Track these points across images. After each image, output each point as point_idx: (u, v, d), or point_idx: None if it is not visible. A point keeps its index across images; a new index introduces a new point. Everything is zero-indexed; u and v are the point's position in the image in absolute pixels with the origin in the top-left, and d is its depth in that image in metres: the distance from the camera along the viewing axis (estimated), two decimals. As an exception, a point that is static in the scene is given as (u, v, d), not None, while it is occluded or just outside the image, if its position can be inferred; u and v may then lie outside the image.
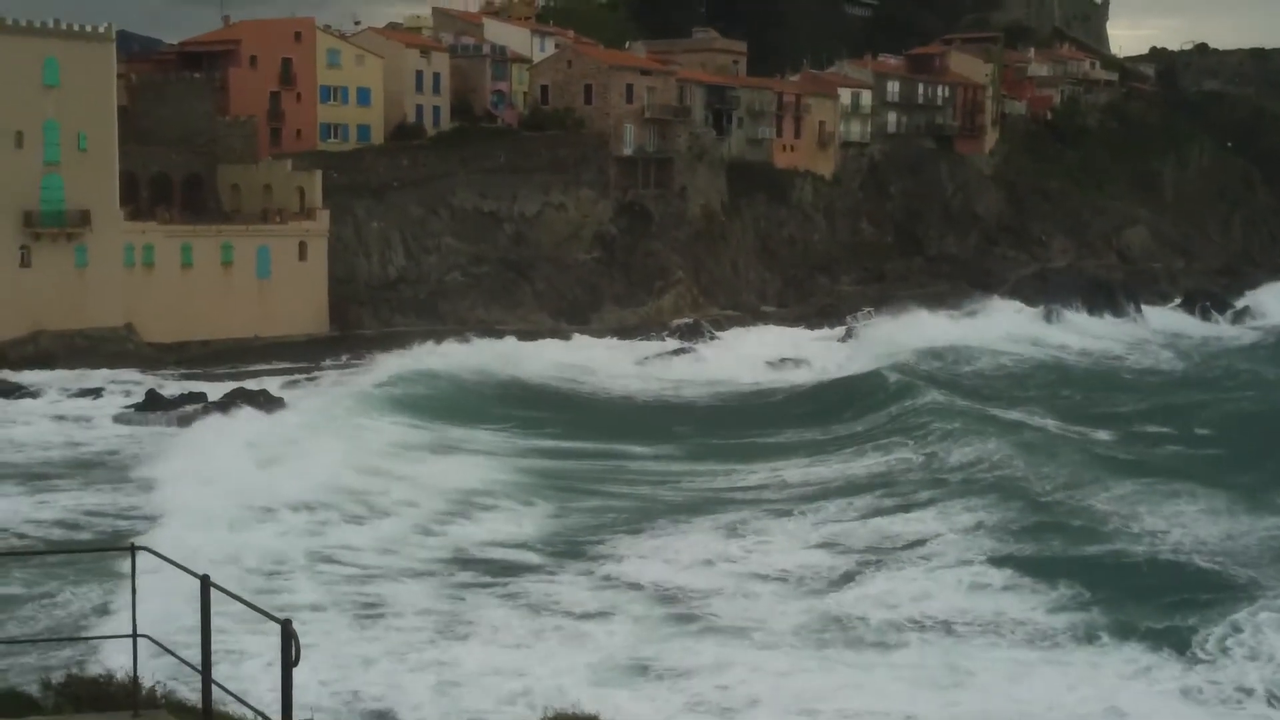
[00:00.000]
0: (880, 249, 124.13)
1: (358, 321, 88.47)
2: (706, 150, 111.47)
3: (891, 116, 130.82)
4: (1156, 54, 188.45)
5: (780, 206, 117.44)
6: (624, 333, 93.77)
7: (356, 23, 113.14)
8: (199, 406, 62.45)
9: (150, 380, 69.32)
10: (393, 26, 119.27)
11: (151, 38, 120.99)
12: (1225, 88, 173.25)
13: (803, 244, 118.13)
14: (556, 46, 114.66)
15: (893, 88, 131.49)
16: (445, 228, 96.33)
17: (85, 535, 40.32)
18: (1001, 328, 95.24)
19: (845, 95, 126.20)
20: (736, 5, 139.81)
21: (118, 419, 61.25)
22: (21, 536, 40.07)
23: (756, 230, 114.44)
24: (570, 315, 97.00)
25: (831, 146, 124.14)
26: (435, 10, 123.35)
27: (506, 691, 28.17)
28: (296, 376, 74.03)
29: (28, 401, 64.62)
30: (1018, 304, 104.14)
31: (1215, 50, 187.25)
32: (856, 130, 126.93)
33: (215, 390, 66.27)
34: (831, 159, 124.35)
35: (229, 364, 76.75)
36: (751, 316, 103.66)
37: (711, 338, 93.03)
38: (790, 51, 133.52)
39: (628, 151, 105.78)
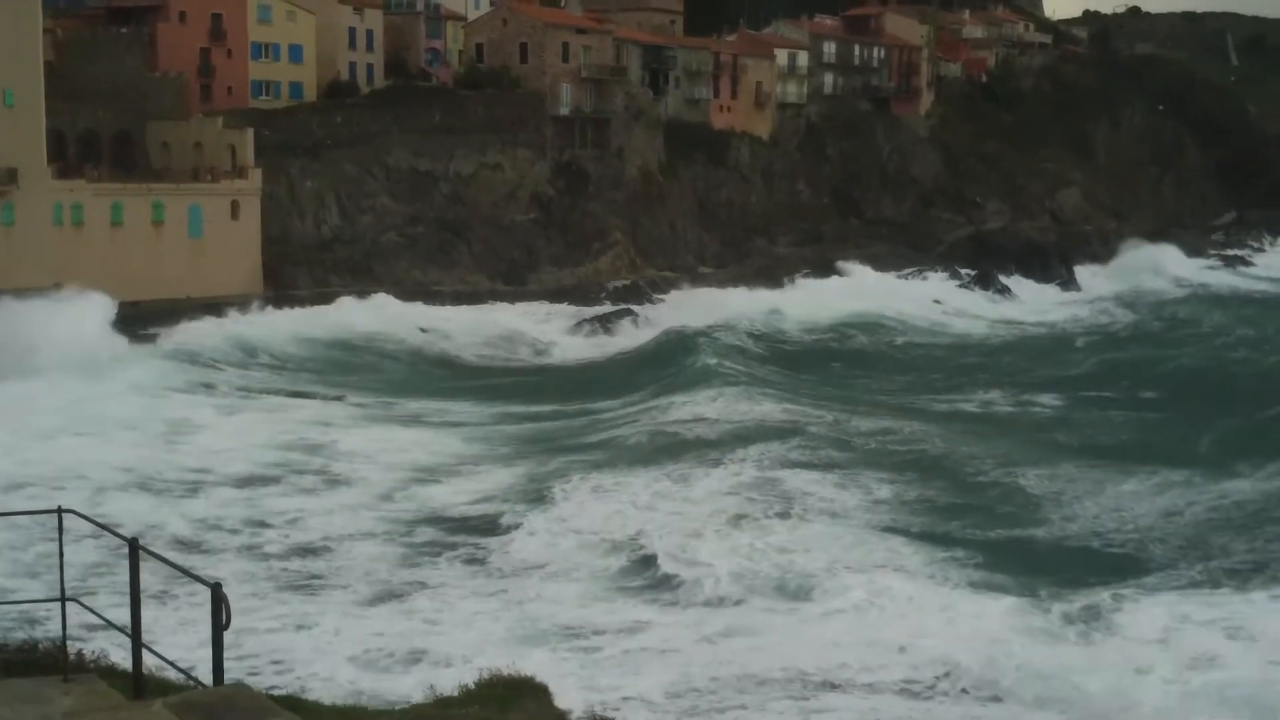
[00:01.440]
0: (817, 211, 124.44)
1: (292, 282, 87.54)
2: (644, 110, 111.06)
3: (828, 78, 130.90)
4: (1090, 17, 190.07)
5: (718, 167, 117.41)
6: (561, 295, 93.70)
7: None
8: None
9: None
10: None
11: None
12: (1158, 51, 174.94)
13: (740, 205, 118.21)
14: (492, 4, 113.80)
15: (829, 49, 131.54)
16: (380, 188, 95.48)
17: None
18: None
19: (782, 56, 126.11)
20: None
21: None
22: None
23: (694, 191, 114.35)
24: (508, 276, 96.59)
25: (768, 107, 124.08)
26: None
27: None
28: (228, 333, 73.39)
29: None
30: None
31: (1148, 14, 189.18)
32: (793, 91, 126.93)
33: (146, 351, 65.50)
34: (768, 120, 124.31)
35: (160, 324, 75.83)
36: (690, 278, 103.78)
37: (651, 301, 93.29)
38: (727, 12, 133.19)
39: (564, 111, 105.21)
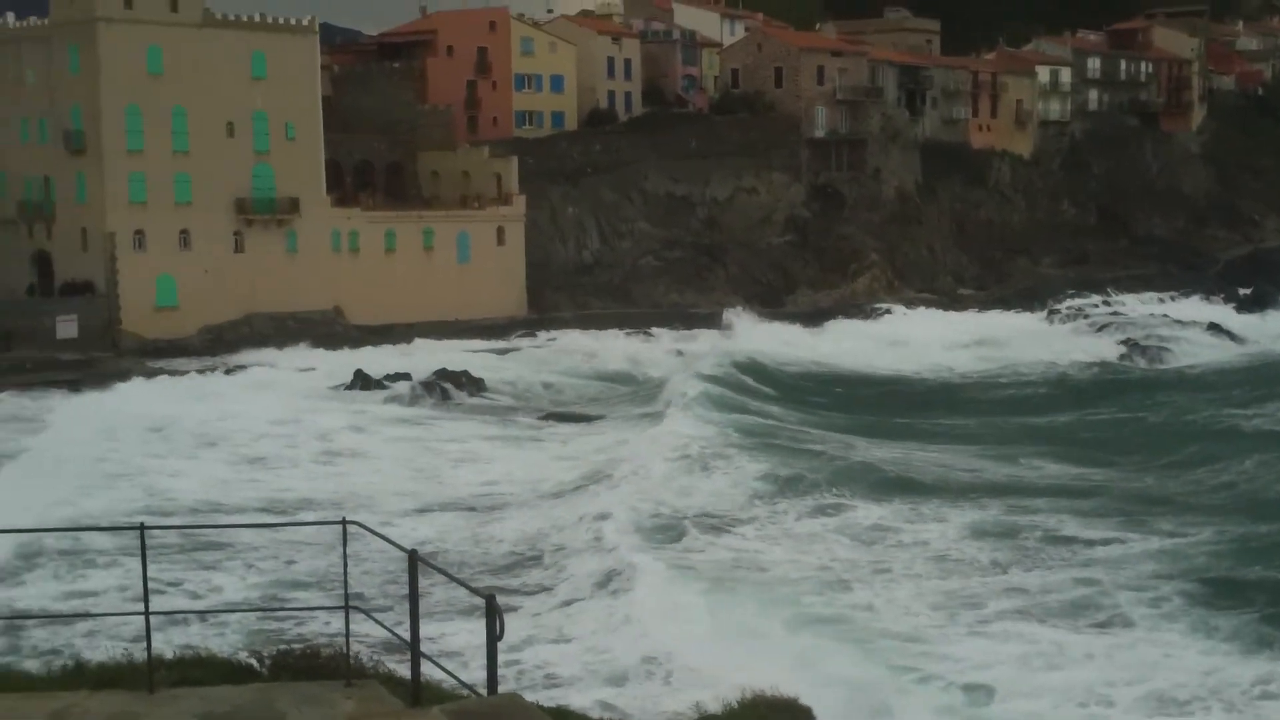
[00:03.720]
0: (1082, 230, 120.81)
1: (554, 305, 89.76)
2: (900, 131, 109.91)
3: (1092, 94, 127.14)
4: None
5: (977, 187, 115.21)
6: (818, 317, 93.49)
7: (549, 11, 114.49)
8: (403, 385, 64.46)
9: (356, 360, 71.41)
10: (584, 14, 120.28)
11: (352, 29, 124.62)
12: None
13: (1000, 225, 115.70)
14: (746, 30, 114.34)
15: (1093, 64, 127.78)
16: (638, 212, 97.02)
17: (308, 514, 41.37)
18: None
19: (1043, 73, 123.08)
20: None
21: (329, 398, 63.24)
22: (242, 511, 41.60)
23: (952, 212, 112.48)
24: (764, 299, 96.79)
25: (1029, 125, 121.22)
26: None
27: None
28: (496, 358, 75.62)
29: (241, 378, 67.19)
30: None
31: None
32: (1055, 109, 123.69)
33: (419, 370, 68.04)
34: (1029, 138, 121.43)
35: (430, 344, 78.53)
36: (948, 299, 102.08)
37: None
38: (985, 29, 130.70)
39: (819, 134, 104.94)
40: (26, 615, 28.84)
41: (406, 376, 66.35)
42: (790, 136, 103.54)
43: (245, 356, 73.39)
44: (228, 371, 69.12)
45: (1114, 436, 57.61)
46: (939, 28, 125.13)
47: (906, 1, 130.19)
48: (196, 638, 23.07)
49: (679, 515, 40.23)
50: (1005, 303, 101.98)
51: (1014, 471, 49.29)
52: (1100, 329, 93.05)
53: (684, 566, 34.98)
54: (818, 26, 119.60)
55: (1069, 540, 38.20)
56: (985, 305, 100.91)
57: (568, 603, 31.96)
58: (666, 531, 38.43)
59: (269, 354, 74.34)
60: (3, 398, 59.13)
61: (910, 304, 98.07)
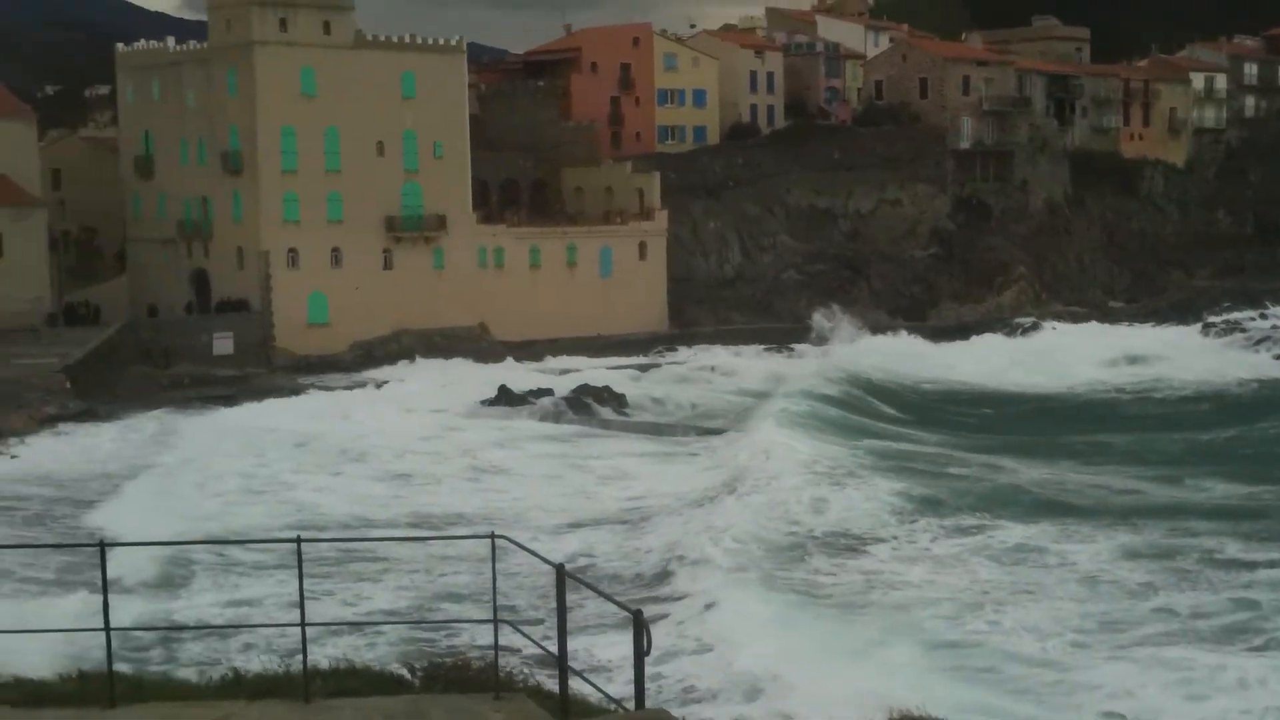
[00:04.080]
0: (1238, 240, 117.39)
1: (695, 320, 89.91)
2: (1048, 141, 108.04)
3: (1249, 101, 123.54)
4: None
5: (1128, 198, 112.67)
6: (964, 330, 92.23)
7: (692, 26, 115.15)
8: (547, 401, 65.08)
9: (501, 375, 72.32)
10: (727, 28, 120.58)
11: (498, 49, 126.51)
12: None
13: (1153, 236, 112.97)
14: (890, 41, 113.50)
15: (1250, 70, 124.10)
16: (780, 226, 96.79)
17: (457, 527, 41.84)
18: None
19: (1198, 80, 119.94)
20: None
21: (473, 414, 64.14)
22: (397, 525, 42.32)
23: (1103, 223, 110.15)
24: (908, 312, 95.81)
25: (1183, 134, 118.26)
26: (769, 10, 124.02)
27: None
28: (638, 373, 75.99)
29: (388, 394, 68.48)
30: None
31: None
32: (1210, 116, 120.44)
33: (562, 385, 68.67)
34: (1183, 147, 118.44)
35: (573, 360, 79.21)
36: (1098, 312, 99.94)
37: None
38: (1137, 36, 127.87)
39: (965, 145, 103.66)
40: (185, 627, 29.72)
41: (550, 392, 66.98)
42: (935, 148, 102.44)
43: (393, 372, 74.87)
44: (376, 387, 70.55)
45: (1281, 454, 55.64)
46: (1088, 35, 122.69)
47: (1055, 9, 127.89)
48: (350, 649, 23.55)
49: (808, 533, 39.88)
50: (1158, 316, 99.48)
51: (1176, 492, 47.60)
52: (1258, 342, 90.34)
53: (812, 585, 34.65)
54: (963, 37, 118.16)
55: (1229, 563, 36.78)
56: (1137, 319, 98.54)
57: (702, 615, 31.84)
58: (795, 549, 38.11)
59: (416, 369, 75.74)
60: (158, 414, 60.88)
61: (1058, 317, 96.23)
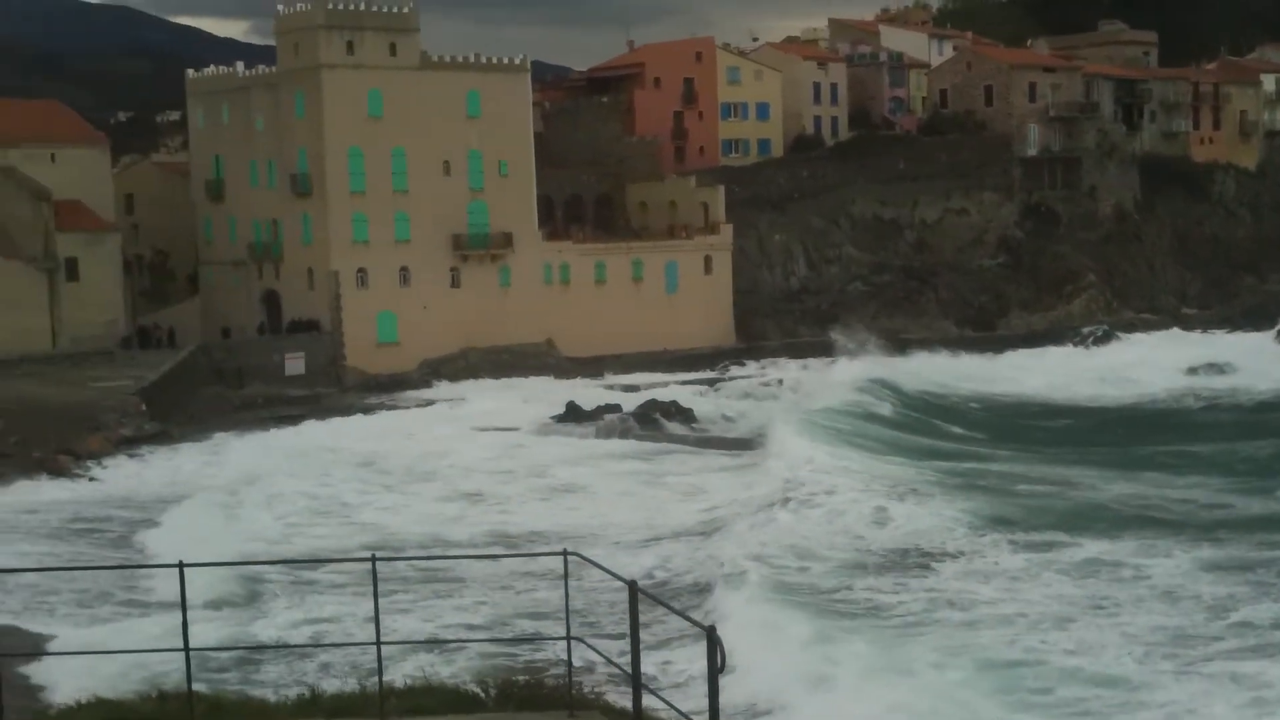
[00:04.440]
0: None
1: (762, 333, 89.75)
2: (1116, 147, 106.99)
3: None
4: None
5: (1199, 202, 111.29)
6: (1033, 339, 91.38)
7: (754, 39, 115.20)
8: (614, 417, 65.18)
9: (568, 391, 72.56)
10: (790, 40, 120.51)
11: (562, 66, 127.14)
12: None
13: (1225, 241, 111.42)
14: (955, 49, 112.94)
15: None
16: (846, 237, 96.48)
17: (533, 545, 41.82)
18: None
19: (1268, 82, 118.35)
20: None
21: (542, 431, 64.41)
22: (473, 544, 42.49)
23: (1174, 228, 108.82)
24: (976, 322, 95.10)
25: (1254, 136, 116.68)
26: (831, 21, 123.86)
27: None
28: (705, 388, 75.94)
29: (457, 412, 68.92)
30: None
31: None
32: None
33: (629, 401, 68.77)
34: (1255, 150, 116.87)
35: (640, 375, 79.33)
36: (1170, 319, 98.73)
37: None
38: (1205, 39, 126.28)
39: (1032, 152, 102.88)
40: (262, 646, 30.01)
41: (617, 408, 67.08)
42: (1001, 155, 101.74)
43: (460, 390, 75.33)
44: (447, 404, 71.04)
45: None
46: (1156, 39, 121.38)
47: (1122, 13, 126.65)
48: (427, 667, 23.64)
49: (868, 548, 39.48)
50: (1231, 322, 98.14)
51: (1266, 504, 46.19)
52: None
53: (868, 603, 34.21)
54: (1029, 43, 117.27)
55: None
56: (1210, 325, 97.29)
57: (746, 630, 31.62)
58: (853, 566, 37.66)
59: (484, 386, 76.20)
60: (230, 435, 61.53)
61: (1130, 325, 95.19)
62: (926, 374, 79.24)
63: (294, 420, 65.95)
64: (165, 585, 32.80)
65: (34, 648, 28.41)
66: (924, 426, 65.64)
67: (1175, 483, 50.64)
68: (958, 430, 65.56)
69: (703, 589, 35.89)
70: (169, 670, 23.71)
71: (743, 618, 31.44)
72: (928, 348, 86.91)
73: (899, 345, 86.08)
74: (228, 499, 47.11)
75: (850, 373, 75.98)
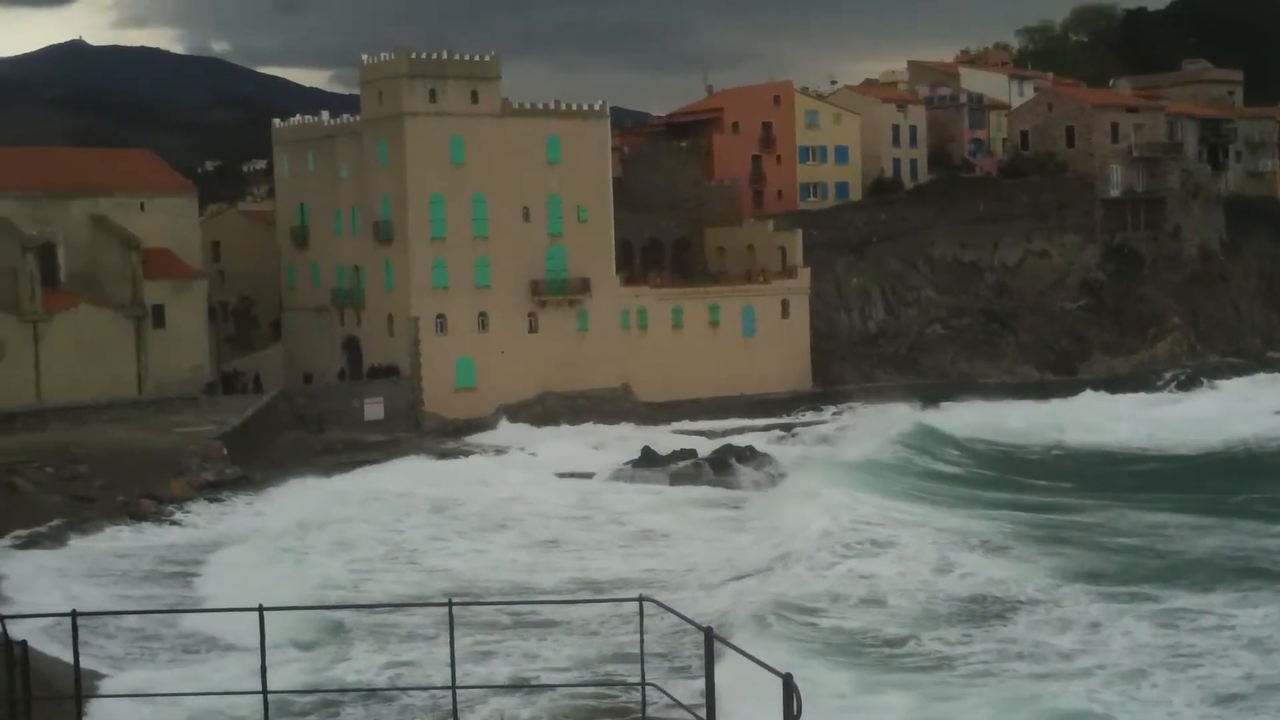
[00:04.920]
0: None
1: (839, 377, 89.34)
2: (1201, 187, 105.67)
3: None
4: None
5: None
6: (1115, 384, 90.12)
7: (833, 82, 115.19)
8: (690, 462, 65.02)
9: (644, 437, 72.46)
10: (868, 83, 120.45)
11: (641, 111, 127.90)
12: None
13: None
14: (1035, 90, 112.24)
15: None
16: (924, 280, 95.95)
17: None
18: None
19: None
20: (1230, 31, 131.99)
21: (618, 476, 64.40)
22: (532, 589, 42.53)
23: (1261, 270, 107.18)
24: (1056, 366, 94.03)
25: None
26: (910, 63, 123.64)
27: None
28: (781, 433, 75.63)
29: (537, 458, 69.08)
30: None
31: None
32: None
33: (705, 446, 68.58)
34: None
35: (716, 420, 79.10)
36: (1256, 363, 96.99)
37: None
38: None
39: (1114, 193, 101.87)
40: (341, 689, 30.17)
41: (693, 453, 66.96)
42: (1084, 197, 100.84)
43: (538, 435, 75.55)
44: (523, 450, 71.20)
45: None
46: (1241, 77, 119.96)
47: (1206, 52, 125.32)
48: (505, 711, 23.65)
49: (940, 596, 38.95)
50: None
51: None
52: None
53: (935, 653, 33.71)
54: (1111, 83, 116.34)
55: None
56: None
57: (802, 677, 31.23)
58: (929, 618, 37.12)
59: (560, 432, 76.37)
60: (308, 480, 62.00)
61: (1215, 369, 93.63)
62: (996, 420, 77.97)
63: (371, 464, 66.37)
64: (225, 628, 33.19)
65: (89, 688, 28.62)
66: (998, 476, 64.51)
67: (1271, 530, 49.37)
68: (1040, 482, 64.03)
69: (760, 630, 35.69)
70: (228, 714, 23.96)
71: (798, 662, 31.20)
72: (1006, 393, 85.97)
73: (977, 389, 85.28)
74: (294, 543, 47.50)
75: (912, 419, 75.17)
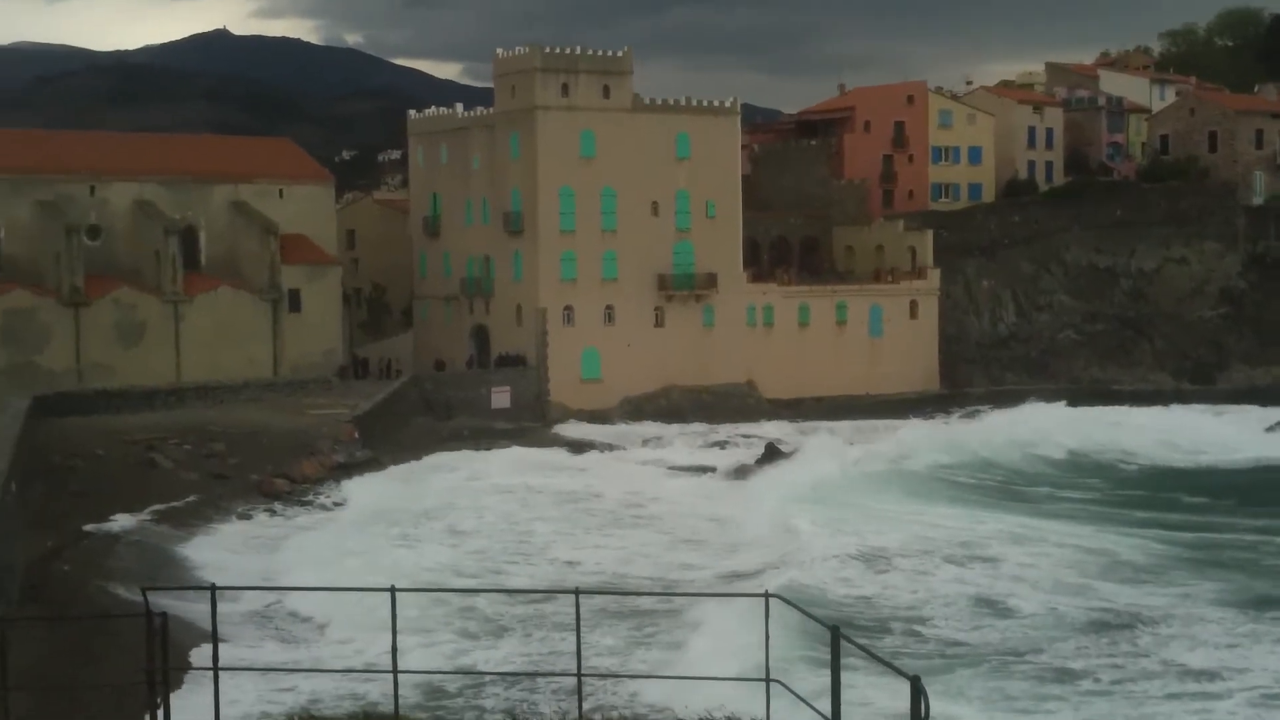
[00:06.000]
0: None
1: (967, 380, 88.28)
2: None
3: None
4: None
5: None
6: (1254, 395, 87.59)
7: (968, 83, 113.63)
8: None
9: (769, 433, 72.18)
10: (1004, 84, 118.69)
11: (771, 109, 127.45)
12: None
13: None
14: (1177, 94, 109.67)
15: None
16: (1058, 284, 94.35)
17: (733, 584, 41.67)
18: None
19: None
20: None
21: (743, 473, 64.17)
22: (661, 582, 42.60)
23: None
24: (1193, 375, 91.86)
25: None
26: (1049, 65, 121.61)
27: None
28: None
29: (661, 452, 69.20)
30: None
31: None
32: None
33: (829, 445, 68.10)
34: None
35: (841, 419, 78.50)
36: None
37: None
38: None
39: (1258, 200, 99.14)
40: (471, 671, 30.58)
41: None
42: (1225, 204, 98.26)
43: (662, 429, 75.78)
44: (647, 443, 71.43)
45: None
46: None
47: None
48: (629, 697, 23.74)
49: (1068, 608, 38.26)
50: None
51: None
52: None
53: (1055, 666, 33.13)
54: (1256, 89, 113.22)
55: None
56: None
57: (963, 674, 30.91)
58: (1055, 626, 36.48)
59: (685, 426, 76.47)
60: (431, 462, 62.60)
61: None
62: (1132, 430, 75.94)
63: (496, 450, 67.03)
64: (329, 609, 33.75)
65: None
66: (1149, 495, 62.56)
67: None
68: (1197, 500, 61.51)
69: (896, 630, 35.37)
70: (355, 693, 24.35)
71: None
72: (1144, 400, 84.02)
73: (1108, 396, 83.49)
74: (411, 530, 48.08)
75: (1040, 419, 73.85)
